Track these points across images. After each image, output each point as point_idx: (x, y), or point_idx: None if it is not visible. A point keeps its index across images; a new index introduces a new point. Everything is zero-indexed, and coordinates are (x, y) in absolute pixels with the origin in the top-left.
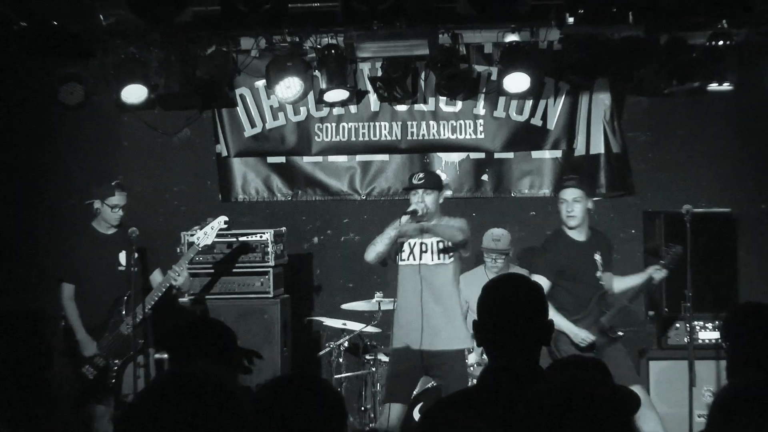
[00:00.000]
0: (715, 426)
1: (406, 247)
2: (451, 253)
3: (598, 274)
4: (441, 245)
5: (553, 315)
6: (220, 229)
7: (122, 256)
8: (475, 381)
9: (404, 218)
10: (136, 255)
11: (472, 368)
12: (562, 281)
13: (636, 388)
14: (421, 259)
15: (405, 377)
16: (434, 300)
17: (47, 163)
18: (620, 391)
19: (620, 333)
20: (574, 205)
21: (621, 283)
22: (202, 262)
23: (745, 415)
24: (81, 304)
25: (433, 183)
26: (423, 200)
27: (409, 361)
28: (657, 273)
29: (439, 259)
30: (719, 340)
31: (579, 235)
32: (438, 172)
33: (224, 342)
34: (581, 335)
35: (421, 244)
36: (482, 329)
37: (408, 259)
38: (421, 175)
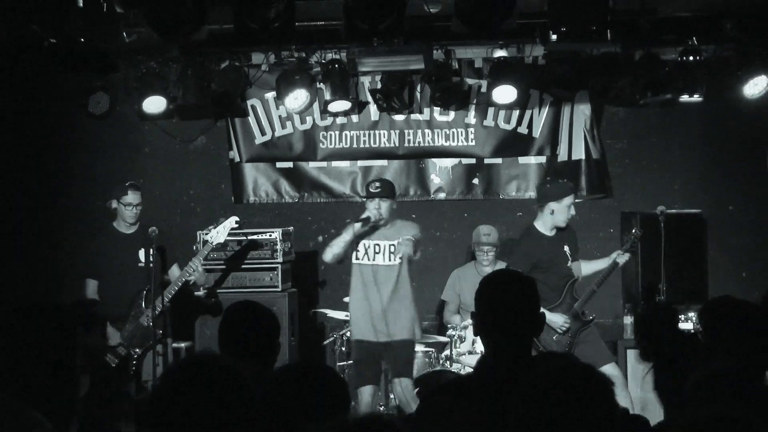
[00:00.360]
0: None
1: (361, 247)
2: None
3: (569, 264)
4: (392, 248)
5: None
6: (232, 228)
7: (141, 254)
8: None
9: (357, 225)
10: (155, 252)
11: (463, 356)
12: (536, 273)
13: (611, 366)
14: (374, 259)
15: (366, 363)
16: (385, 296)
17: (74, 168)
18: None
19: (592, 317)
20: (572, 209)
21: (587, 268)
22: (215, 259)
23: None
24: (104, 299)
25: (389, 191)
26: (379, 207)
27: (367, 350)
28: (620, 257)
29: (390, 260)
30: (692, 331)
31: (548, 230)
32: (432, 176)
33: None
34: (559, 321)
35: (375, 245)
36: (479, 320)
37: (362, 259)
38: (378, 184)
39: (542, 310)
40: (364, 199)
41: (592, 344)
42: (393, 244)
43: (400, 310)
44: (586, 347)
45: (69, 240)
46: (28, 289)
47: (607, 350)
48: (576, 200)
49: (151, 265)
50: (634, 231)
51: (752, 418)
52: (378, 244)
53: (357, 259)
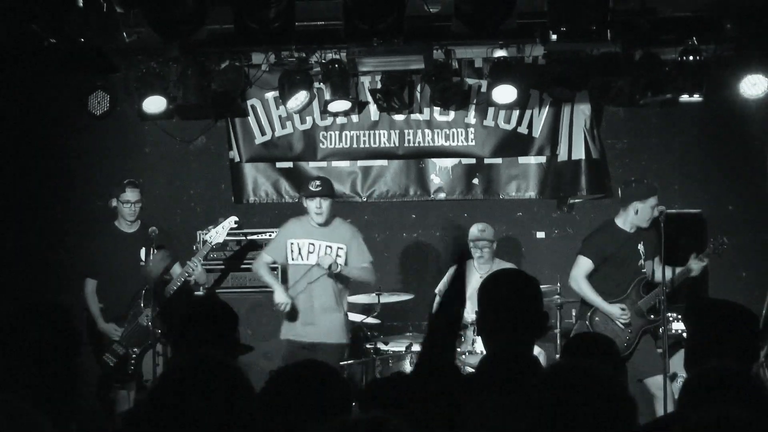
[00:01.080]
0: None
1: (294, 248)
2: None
3: (640, 262)
4: (329, 249)
5: (591, 295)
6: (232, 228)
7: (143, 253)
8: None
9: (315, 270)
10: (155, 251)
11: (464, 356)
12: (606, 267)
13: (657, 378)
14: (307, 259)
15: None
16: (317, 298)
17: (74, 168)
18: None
19: (658, 319)
20: (656, 210)
21: (659, 270)
22: (215, 259)
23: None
24: (104, 298)
25: (329, 190)
26: (320, 206)
27: (297, 350)
28: (695, 263)
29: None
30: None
31: (628, 226)
32: (432, 176)
33: (224, 326)
34: (616, 313)
35: (309, 244)
36: (481, 319)
37: (297, 259)
38: (318, 182)
39: (597, 298)
40: (303, 198)
41: (647, 352)
42: (330, 246)
43: (331, 311)
44: (638, 353)
45: (69, 239)
46: (28, 288)
47: (659, 360)
48: (576, 200)
49: (151, 264)
50: (719, 238)
51: (754, 419)
52: (312, 244)
53: (292, 260)
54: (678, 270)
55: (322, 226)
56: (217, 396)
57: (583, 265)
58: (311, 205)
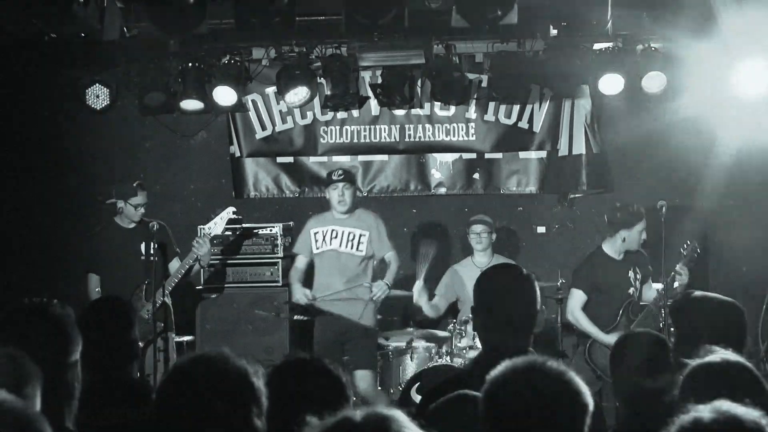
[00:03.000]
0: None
1: (318, 236)
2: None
3: (631, 290)
4: (351, 235)
5: (589, 327)
6: (232, 223)
7: (144, 247)
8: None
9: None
10: (156, 246)
11: (464, 351)
12: (597, 295)
13: None
14: (331, 244)
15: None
16: (343, 282)
17: (75, 163)
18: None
19: None
20: (644, 234)
21: (651, 290)
22: (215, 254)
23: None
24: (106, 292)
25: (351, 177)
26: (343, 195)
27: (331, 331)
28: (679, 273)
29: (351, 248)
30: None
31: (616, 254)
32: (433, 171)
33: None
34: (609, 341)
35: (332, 231)
36: (477, 314)
37: (321, 247)
38: (340, 171)
39: (594, 330)
40: (326, 188)
41: None
42: (352, 232)
43: (360, 296)
44: None
45: (70, 235)
46: (29, 284)
47: None
48: (576, 195)
49: (153, 258)
50: (688, 243)
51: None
52: (335, 230)
53: (317, 249)
54: (666, 284)
55: (344, 216)
56: (224, 393)
57: (576, 297)
58: (334, 194)
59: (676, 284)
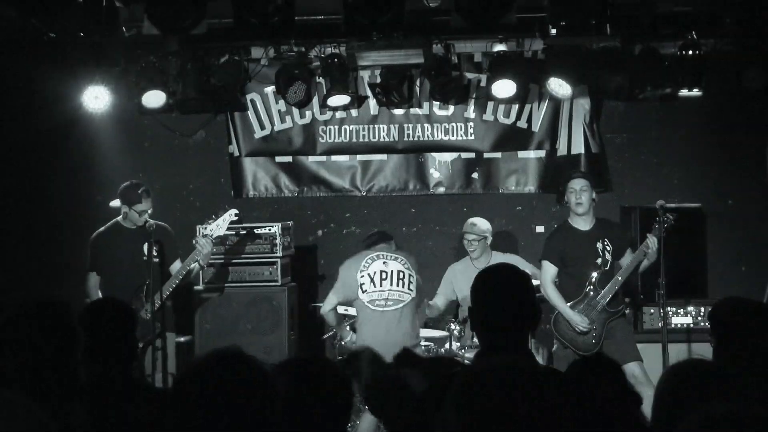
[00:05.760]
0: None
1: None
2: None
3: (598, 261)
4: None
5: (556, 300)
6: (232, 222)
7: (146, 248)
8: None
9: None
10: (155, 246)
11: (463, 350)
12: (565, 267)
13: (635, 365)
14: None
15: None
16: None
17: (74, 163)
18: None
19: (620, 307)
20: (582, 194)
21: (625, 262)
22: (215, 253)
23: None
24: (106, 292)
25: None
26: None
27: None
28: (650, 239)
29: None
30: (690, 325)
31: (584, 225)
32: (432, 170)
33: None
34: (576, 320)
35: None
36: (474, 314)
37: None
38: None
39: (562, 304)
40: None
41: (618, 342)
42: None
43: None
44: (611, 343)
45: (70, 234)
46: (30, 284)
47: (634, 348)
48: (598, 190)
49: (155, 259)
50: (665, 214)
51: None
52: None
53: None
54: (634, 256)
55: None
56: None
57: (547, 269)
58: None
59: (644, 257)
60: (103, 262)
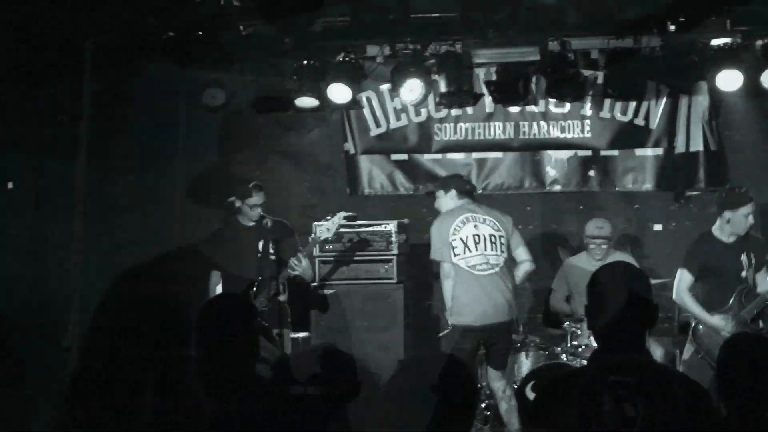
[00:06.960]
0: None
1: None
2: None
3: (743, 273)
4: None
5: (693, 307)
6: (347, 220)
7: (261, 245)
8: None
9: None
10: (271, 244)
11: (580, 349)
12: (706, 278)
13: None
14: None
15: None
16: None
17: (191, 160)
18: None
19: (761, 327)
20: (751, 219)
21: (765, 281)
22: (331, 251)
23: None
24: (226, 289)
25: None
26: None
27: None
28: None
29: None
30: None
31: (728, 237)
32: (548, 168)
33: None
34: (720, 324)
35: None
36: (591, 314)
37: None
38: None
39: (700, 311)
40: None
41: None
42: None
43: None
44: None
45: (190, 232)
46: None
47: None
48: (693, 192)
49: (271, 256)
50: None
51: None
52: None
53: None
54: None
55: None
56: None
57: (684, 278)
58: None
59: None
60: (224, 260)
